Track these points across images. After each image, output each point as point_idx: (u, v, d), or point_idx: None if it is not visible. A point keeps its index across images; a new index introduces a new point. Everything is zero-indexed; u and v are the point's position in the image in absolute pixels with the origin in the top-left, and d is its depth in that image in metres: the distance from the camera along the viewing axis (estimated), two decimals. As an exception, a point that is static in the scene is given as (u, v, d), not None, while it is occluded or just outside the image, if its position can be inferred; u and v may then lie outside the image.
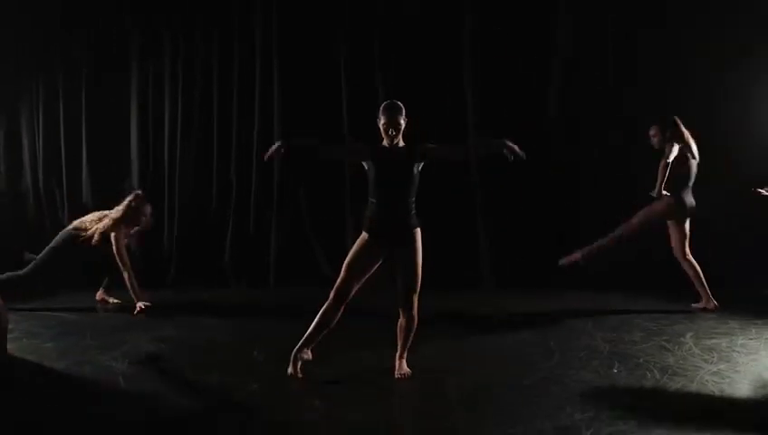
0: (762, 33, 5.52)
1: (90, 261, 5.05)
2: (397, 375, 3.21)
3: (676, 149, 4.57)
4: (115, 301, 5.19)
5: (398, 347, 3.28)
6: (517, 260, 5.84)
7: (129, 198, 4.96)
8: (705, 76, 5.64)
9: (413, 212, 3.17)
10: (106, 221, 4.82)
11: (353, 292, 3.17)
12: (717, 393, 2.91)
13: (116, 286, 5.10)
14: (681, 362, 3.44)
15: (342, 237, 6.01)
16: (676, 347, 3.74)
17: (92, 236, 4.79)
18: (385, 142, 3.19)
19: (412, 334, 3.25)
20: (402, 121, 3.16)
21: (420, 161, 3.17)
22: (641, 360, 3.48)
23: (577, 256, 4.92)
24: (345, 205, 6.17)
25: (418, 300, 3.19)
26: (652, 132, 4.80)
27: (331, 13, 6.21)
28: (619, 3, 5.91)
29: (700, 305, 4.73)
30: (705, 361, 3.45)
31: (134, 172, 6.63)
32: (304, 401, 2.94)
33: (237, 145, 6.44)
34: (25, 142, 6.82)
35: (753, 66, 5.56)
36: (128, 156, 6.68)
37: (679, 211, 4.66)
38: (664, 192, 4.59)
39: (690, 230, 4.69)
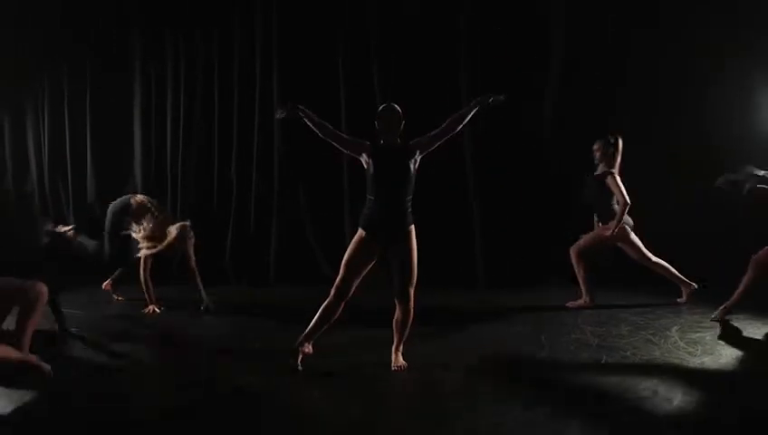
0: (752, 35, 5.48)
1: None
2: (394, 368, 3.28)
3: (618, 180, 4.69)
4: (120, 298, 5.25)
5: (395, 340, 3.35)
6: (511, 258, 5.91)
7: (179, 229, 4.80)
8: (699, 77, 5.63)
9: (409, 211, 3.24)
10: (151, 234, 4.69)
11: (353, 288, 3.25)
12: (700, 383, 2.99)
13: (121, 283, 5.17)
14: (666, 354, 3.52)
15: (341, 237, 6.06)
16: (662, 340, 3.82)
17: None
18: (383, 143, 3.27)
19: (408, 328, 3.33)
20: (400, 124, 3.24)
21: (417, 155, 3.25)
22: (628, 353, 3.56)
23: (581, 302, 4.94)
24: (343, 204, 6.24)
25: (414, 295, 3.27)
26: (595, 147, 4.90)
27: (330, 15, 6.27)
28: (615, 3, 5.90)
29: (684, 299, 4.83)
30: (690, 353, 3.53)
31: (137, 172, 6.70)
32: (303, 393, 3.00)
33: (238, 145, 6.51)
34: (31, 143, 6.88)
35: (744, 67, 5.54)
36: (131, 156, 6.74)
37: (626, 232, 4.77)
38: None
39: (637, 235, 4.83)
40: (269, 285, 6.25)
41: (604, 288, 5.22)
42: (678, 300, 4.85)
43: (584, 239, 4.90)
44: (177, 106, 6.61)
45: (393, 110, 3.26)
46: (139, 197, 5.05)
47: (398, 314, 3.31)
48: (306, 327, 3.28)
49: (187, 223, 4.95)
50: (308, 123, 3.33)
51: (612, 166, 4.77)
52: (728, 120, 5.54)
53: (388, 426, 2.58)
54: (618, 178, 4.71)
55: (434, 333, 4.03)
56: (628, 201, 4.64)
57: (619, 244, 4.88)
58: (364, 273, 3.27)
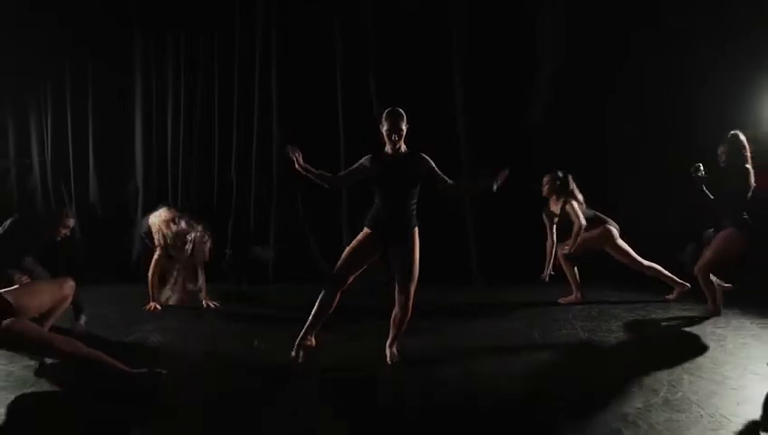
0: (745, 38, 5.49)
1: None
2: (389, 361, 3.33)
3: (576, 207, 4.82)
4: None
5: (390, 335, 3.40)
6: (504, 257, 5.98)
7: (197, 235, 4.96)
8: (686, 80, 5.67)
9: (414, 214, 3.31)
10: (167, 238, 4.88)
11: (350, 280, 3.30)
12: (686, 375, 3.05)
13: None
14: (653, 348, 3.60)
15: (338, 236, 6.13)
16: (650, 334, 3.89)
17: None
18: (387, 147, 3.31)
19: (405, 325, 3.38)
20: (404, 127, 3.28)
21: (421, 172, 3.30)
22: (616, 346, 3.63)
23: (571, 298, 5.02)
24: (342, 204, 6.29)
25: (414, 294, 3.33)
26: (544, 180, 5.03)
27: (328, 21, 6.33)
28: (609, 7, 5.93)
29: (674, 296, 4.89)
30: (676, 347, 3.60)
31: (138, 172, 6.74)
32: (304, 385, 3.05)
33: (237, 146, 6.56)
34: (34, 144, 6.91)
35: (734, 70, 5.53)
36: (132, 157, 6.78)
37: (612, 236, 4.87)
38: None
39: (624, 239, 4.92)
40: (268, 282, 6.30)
41: (598, 285, 5.30)
42: (668, 296, 4.91)
43: (570, 246, 4.92)
44: (178, 108, 6.65)
45: (399, 112, 3.30)
46: (166, 214, 5.01)
47: (396, 310, 3.36)
48: (305, 322, 3.33)
49: (203, 232, 5.02)
50: (316, 179, 3.37)
51: (565, 195, 4.87)
52: (721, 120, 5.46)
53: (386, 420, 2.62)
54: (575, 205, 4.81)
55: (430, 328, 4.08)
56: (584, 223, 4.77)
57: (607, 249, 4.95)
58: (363, 267, 3.33)
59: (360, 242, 3.32)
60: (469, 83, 6.15)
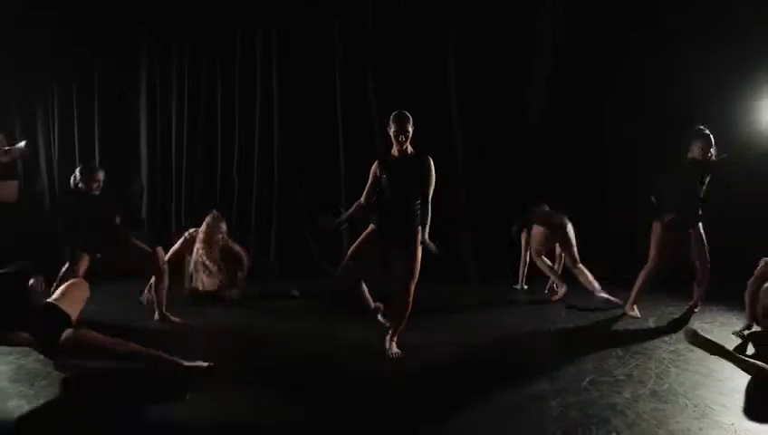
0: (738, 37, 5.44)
1: None
2: (389, 354, 3.39)
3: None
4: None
5: (391, 330, 3.47)
6: (498, 255, 6.04)
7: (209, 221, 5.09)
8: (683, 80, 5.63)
9: (417, 213, 3.38)
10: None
11: (358, 267, 3.45)
12: (672, 368, 3.13)
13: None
14: (642, 342, 3.64)
15: (338, 235, 6.18)
16: (640, 330, 3.96)
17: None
18: (395, 149, 3.39)
19: (405, 320, 3.45)
20: (410, 129, 3.37)
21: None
22: (607, 340, 3.68)
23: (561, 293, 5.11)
24: (341, 203, 6.32)
25: (414, 291, 3.40)
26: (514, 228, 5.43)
27: (328, 21, 6.37)
28: (610, 9, 5.88)
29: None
30: (665, 342, 3.67)
31: (144, 174, 6.79)
32: (305, 375, 3.12)
33: (239, 147, 6.61)
34: (41, 146, 6.94)
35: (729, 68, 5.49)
36: (138, 158, 6.83)
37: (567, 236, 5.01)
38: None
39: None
40: (268, 279, 6.34)
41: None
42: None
43: (533, 249, 5.19)
44: (182, 109, 6.70)
45: (406, 115, 3.38)
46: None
47: (395, 306, 3.43)
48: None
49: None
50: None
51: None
52: (721, 120, 5.25)
53: (387, 413, 2.67)
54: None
55: (427, 323, 4.13)
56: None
57: (558, 243, 5.11)
58: (367, 258, 3.45)
59: (366, 237, 3.46)
60: (469, 83, 6.16)
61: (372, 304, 3.63)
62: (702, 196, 4.18)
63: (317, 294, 5.15)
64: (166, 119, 6.77)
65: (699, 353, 3.34)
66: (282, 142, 6.49)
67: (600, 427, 2.37)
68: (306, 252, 6.42)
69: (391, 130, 3.37)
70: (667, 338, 3.76)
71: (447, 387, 2.94)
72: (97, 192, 4.13)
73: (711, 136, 4.10)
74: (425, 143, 3.57)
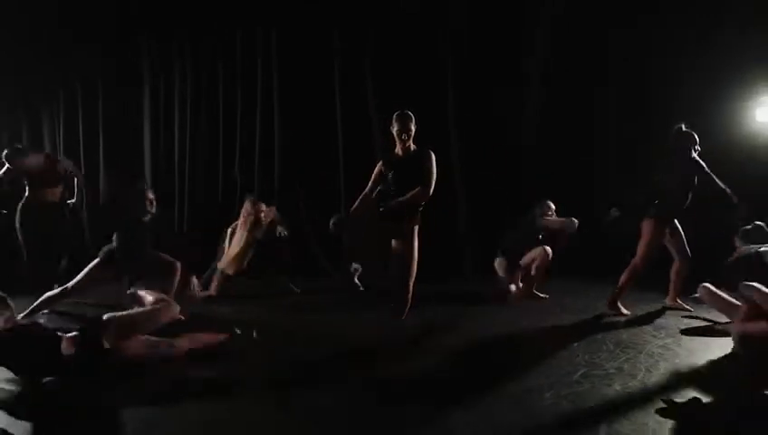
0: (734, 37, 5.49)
1: None
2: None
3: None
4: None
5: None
6: (495, 251, 6.08)
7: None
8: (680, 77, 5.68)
9: (419, 209, 3.44)
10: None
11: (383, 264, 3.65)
12: (662, 362, 3.19)
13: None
14: (633, 337, 3.70)
15: (339, 236, 6.20)
16: (630, 325, 4.02)
17: None
18: (398, 147, 3.45)
19: (404, 315, 3.51)
20: (413, 127, 3.44)
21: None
22: (599, 335, 3.74)
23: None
24: (341, 203, 6.38)
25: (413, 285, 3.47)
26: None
27: (328, 21, 6.43)
28: (610, 9, 5.90)
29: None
30: (654, 336, 3.72)
31: (147, 175, 6.83)
32: (306, 362, 3.16)
33: (241, 146, 6.66)
34: (47, 147, 6.97)
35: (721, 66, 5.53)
36: (141, 160, 6.86)
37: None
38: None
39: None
40: (268, 277, 6.37)
41: (580, 279, 5.41)
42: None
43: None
44: (184, 109, 6.75)
45: (408, 114, 3.45)
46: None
47: (395, 303, 3.49)
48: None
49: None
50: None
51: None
52: (721, 120, 5.52)
53: (384, 408, 2.72)
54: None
55: (424, 319, 4.17)
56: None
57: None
58: (381, 245, 3.61)
59: (372, 235, 3.64)
60: (468, 83, 6.22)
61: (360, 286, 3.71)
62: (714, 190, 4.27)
63: (316, 292, 5.21)
64: (169, 118, 6.81)
65: (688, 348, 3.41)
66: (281, 142, 6.53)
67: (592, 418, 2.42)
68: (306, 250, 6.44)
69: (394, 129, 3.44)
70: (656, 333, 3.82)
71: (442, 381, 2.98)
72: (152, 210, 4.35)
73: (695, 134, 4.25)
74: (424, 143, 3.64)
